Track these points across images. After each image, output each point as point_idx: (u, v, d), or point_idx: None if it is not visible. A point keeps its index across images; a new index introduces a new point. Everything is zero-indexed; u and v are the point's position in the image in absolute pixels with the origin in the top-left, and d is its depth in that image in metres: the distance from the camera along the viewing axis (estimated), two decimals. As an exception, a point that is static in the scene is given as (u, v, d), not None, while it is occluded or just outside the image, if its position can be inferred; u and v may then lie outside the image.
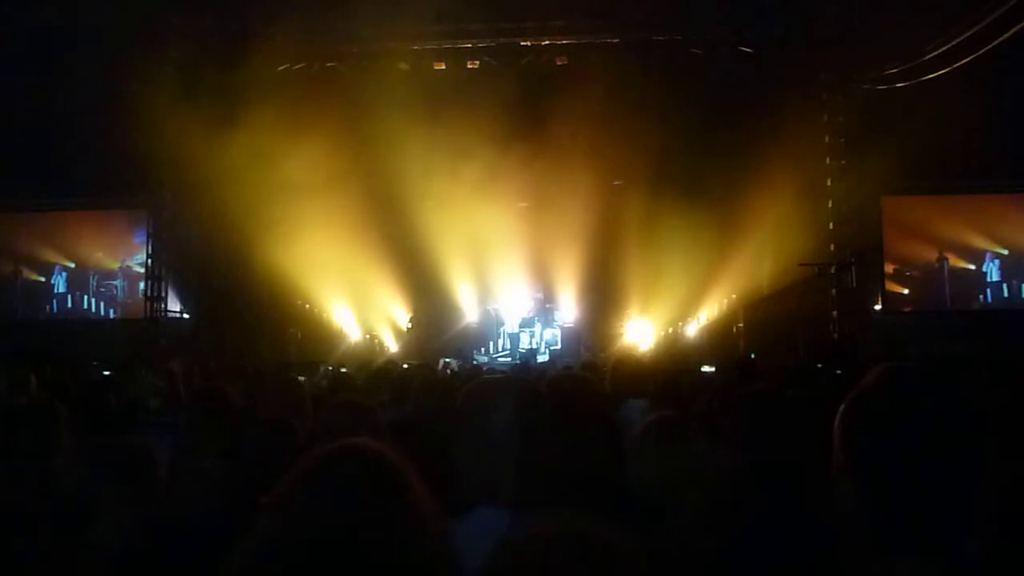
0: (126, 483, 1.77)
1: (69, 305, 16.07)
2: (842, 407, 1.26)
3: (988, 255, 14.47)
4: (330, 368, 6.83)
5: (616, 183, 15.10)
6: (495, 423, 1.60)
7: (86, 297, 16.09)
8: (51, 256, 16.27)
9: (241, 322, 13.99)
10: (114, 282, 15.98)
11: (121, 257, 15.95)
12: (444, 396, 3.53)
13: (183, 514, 1.98)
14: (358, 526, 1.04)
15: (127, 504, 1.73)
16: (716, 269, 13.98)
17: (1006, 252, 14.45)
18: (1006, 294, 14.36)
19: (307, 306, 15.18)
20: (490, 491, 1.56)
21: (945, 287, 14.41)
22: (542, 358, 14.41)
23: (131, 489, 1.76)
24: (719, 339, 14.53)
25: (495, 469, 1.57)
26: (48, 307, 16.08)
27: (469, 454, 1.59)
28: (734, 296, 14.72)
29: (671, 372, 5.65)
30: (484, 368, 11.23)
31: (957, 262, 14.54)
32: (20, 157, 12.81)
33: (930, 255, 14.53)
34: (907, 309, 14.70)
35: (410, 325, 15.14)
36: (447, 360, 10.71)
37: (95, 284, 16.07)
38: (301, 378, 4.49)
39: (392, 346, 15.62)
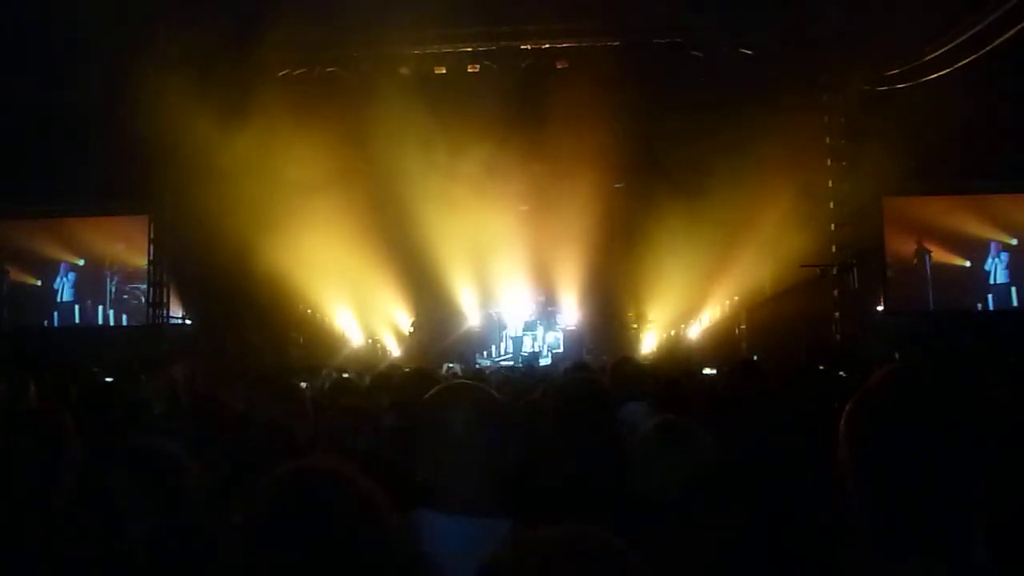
0: (157, 487, 1.75)
1: (76, 319, 13.97)
2: (847, 408, 1.25)
3: (991, 255, 14.35)
4: (331, 373, 6.83)
5: (617, 186, 15.09)
6: (452, 429, 1.59)
7: (101, 308, 13.97)
8: (54, 253, 14.11)
9: (243, 327, 13.99)
10: (139, 286, 14.10)
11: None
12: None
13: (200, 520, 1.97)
14: (318, 552, 1.04)
15: (157, 509, 1.72)
16: (718, 271, 13.97)
17: (1009, 253, 14.34)
18: (1013, 299, 14.09)
19: (309, 311, 15.19)
20: (457, 498, 1.55)
21: (948, 288, 14.33)
22: (544, 361, 14.41)
23: (162, 493, 1.75)
24: (721, 341, 14.52)
25: (456, 476, 1.56)
26: (47, 319, 14.13)
27: (432, 460, 1.59)
28: (736, 298, 14.71)
29: (672, 374, 5.65)
30: (487, 371, 11.23)
31: (960, 262, 14.43)
32: (17, 161, 12.69)
33: (932, 255, 14.45)
34: (909, 310, 14.65)
35: (412, 329, 15.15)
36: (450, 365, 10.69)
37: (113, 288, 14.09)
38: (303, 384, 4.48)
39: (394, 350, 15.63)
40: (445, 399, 1.66)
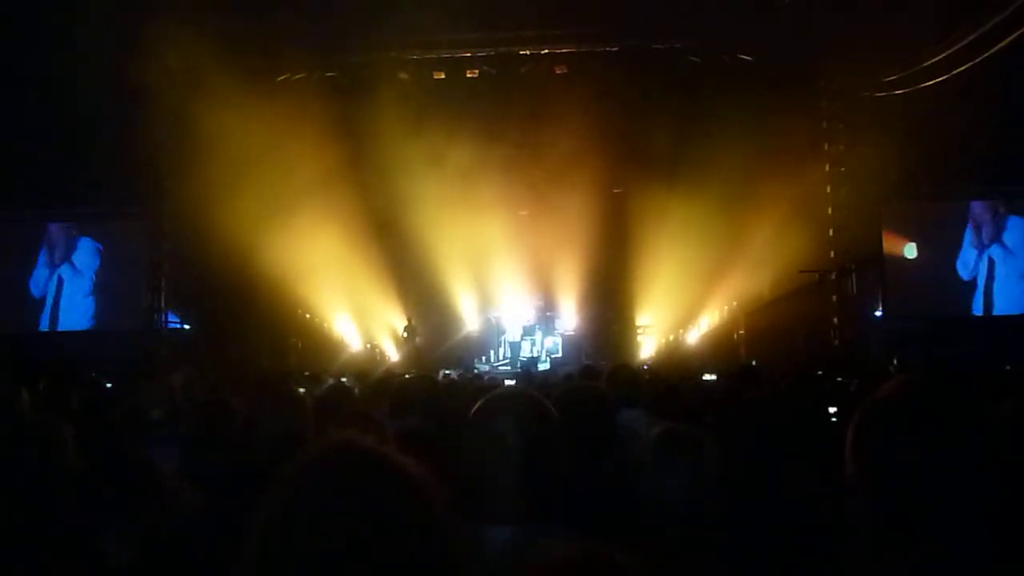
0: (130, 498, 1.75)
1: (73, 323, 13.86)
2: (856, 416, 1.24)
3: (988, 260, 14.35)
4: (330, 379, 6.82)
5: (616, 191, 15.11)
6: (504, 439, 1.57)
7: (99, 312, 13.87)
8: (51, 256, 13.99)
9: (241, 333, 13.98)
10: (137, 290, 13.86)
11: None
12: (447, 406, 3.52)
13: (187, 529, 1.97)
14: (368, 537, 0.94)
15: (131, 520, 1.71)
16: (716, 276, 13.99)
17: (1006, 257, 14.33)
18: (1010, 303, 14.08)
19: (308, 316, 15.18)
20: (498, 508, 1.55)
21: (946, 292, 14.33)
22: (543, 366, 14.40)
23: (136, 504, 1.75)
24: (720, 346, 14.53)
25: (502, 486, 1.55)
26: (43, 324, 14.03)
27: (478, 469, 1.57)
28: (735, 303, 14.73)
29: (670, 380, 5.64)
30: (485, 377, 11.22)
31: (958, 266, 14.41)
32: (10, 161, 12.56)
33: (930, 259, 14.44)
34: (908, 314, 14.63)
35: (405, 333, 15.12)
36: (447, 372, 10.67)
37: (110, 292, 13.85)
38: (302, 389, 4.47)
39: (393, 355, 15.63)
40: (495, 407, 1.64)
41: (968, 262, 14.08)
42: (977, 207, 14.17)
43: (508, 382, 7.85)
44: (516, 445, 1.57)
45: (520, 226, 14.95)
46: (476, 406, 1.68)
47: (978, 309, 13.88)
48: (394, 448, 1.09)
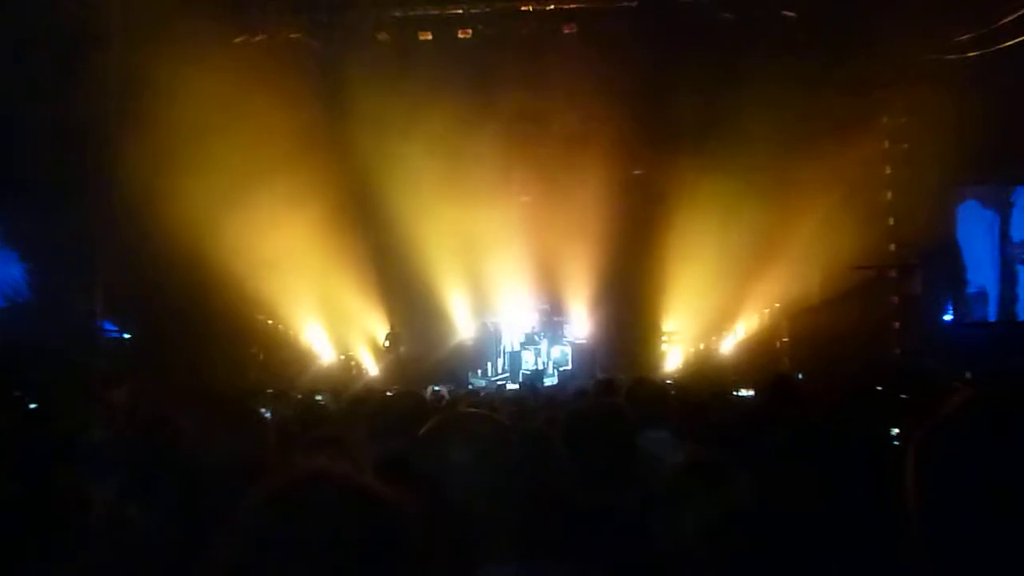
0: (60, 536, 1.77)
1: None
2: (917, 439, 1.25)
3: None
4: (299, 396, 6.83)
5: (636, 173, 15.11)
6: (455, 465, 1.62)
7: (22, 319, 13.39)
8: None
9: (192, 341, 13.96)
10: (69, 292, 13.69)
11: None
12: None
13: (122, 565, 1.99)
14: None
15: (61, 561, 1.74)
16: (755, 274, 13.99)
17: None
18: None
19: (271, 322, 15.19)
20: (496, 544, 1.58)
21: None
22: (550, 381, 14.42)
23: (67, 543, 1.77)
24: (759, 357, 14.51)
25: (495, 520, 1.59)
26: None
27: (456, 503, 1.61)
28: (777, 306, 14.73)
29: (700, 396, 5.66)
30: (481, 393, 11.23)
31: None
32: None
33: (1012, 255, 14.41)
34: (982, 319, 14.63)
35: (388, 343, 15.13)
36: (436, 388, 10.69)
37: (35, 295, 13.59)
38: (264, 410, 4.48)
39: (372, 369, 15.65)
40: (446, 431, 1.69)
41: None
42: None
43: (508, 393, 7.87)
44: (477, 473, 1.61)
45: (522, 215, 14.96)
46: (426, 428, 1.74)
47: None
48: (373, 478, 1.11)
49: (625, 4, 14.20)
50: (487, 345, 15.87)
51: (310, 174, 13.20)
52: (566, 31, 14.42)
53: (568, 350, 15.31)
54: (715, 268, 13.82)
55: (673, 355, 15.66)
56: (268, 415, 5.07)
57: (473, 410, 2.12)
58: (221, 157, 12.55)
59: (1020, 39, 12.04)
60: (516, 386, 13.50)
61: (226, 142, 12.58)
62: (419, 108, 13.35)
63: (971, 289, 14.36)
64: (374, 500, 1.05)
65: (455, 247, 14.75)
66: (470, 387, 13.92)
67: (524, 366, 15.13)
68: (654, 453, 3.06)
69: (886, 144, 14.22)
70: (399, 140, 13.58)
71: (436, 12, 14.43)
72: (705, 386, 8.96)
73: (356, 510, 1.04)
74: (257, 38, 14.31)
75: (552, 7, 14.44)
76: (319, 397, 6.40)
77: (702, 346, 15.52)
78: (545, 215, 14.85)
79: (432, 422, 1.77)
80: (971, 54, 12.78)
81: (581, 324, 15.77)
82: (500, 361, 15.70)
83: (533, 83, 13.88)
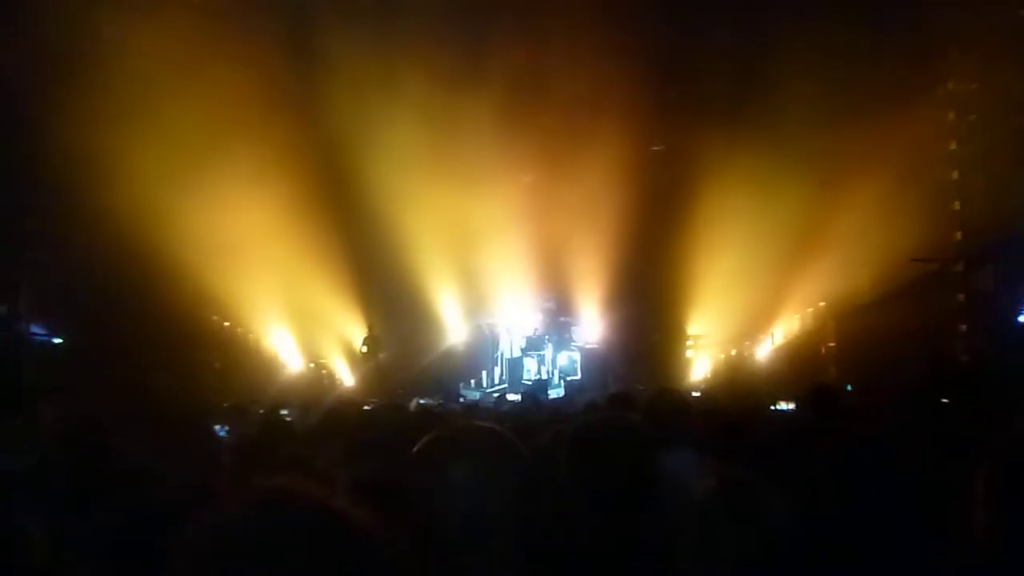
0: None
1: None
2: (990, 458, 1.25)
3: None
4: (261, 412, 6.83)
5: (656, 148, 15.10)
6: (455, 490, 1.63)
7: None
8: None
9: (135, 348, 13.94)
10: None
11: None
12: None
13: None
14: None
15: None
16: (797, 268, 13.97)
17: None
18: None
19: (227, 324, 15.17)
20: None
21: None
22: (555, 392, 14.46)
23: None
24: (801, 365, 14.51)
25: (490, 552, 1.59)
26: None
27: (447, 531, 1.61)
28: (822, 305, 14.73)
29: (731, 410, 5.66)
30: (480, 406, 11.24)
31: None
32: None
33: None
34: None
35: (365, 348, 15.11)
36: (423, 401, 10.69)
37: None
38: (220, 428, 4.48)
39: (347, 379, 15.67)
40: (446, 449, 1.69)
41: None
42: None
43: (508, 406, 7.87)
44: (483, 499, 1.61)
45: (524, 198, 14.95)
46: (420, 445, 1.74)
47: None
48: (349, 504, 1.11)
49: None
50: (482, 351, 15.89)
51: (275, 148, 13.17)
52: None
53: (577, 357, 15.32)
54: (749, 261, 13.81)
55: (700, 363, 15.69)
56: (224, 433, 5.08)
57: (478, 423, 2.12)
58: (169, 126, 12.50)
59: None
60: (517, 397, 13.50)
61: (175, 108, 12.53)
62: (402, 69, 13.33)
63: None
64: (347, 527, 1.06)
65: (445, 235, 14.75)
66: (462, 400, 13.92)
67: (526, 375, 15.16)
68: (677, 476, 3.07)
69: (951, 116, 14.19)
70: (378, 108, 13.55)
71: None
72: (737, 399, 8.98)
73: (325, 538, 1.04)
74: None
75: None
76: (285, 412, 6.40)
77: (734, 352, 15.55)
78: (550, 198, 14.84)
79: (428, 439, 1.77)
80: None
81: (592, 326, 15.78)
82: (497, 370, 15.73)
83: (535, 40, 13.84)
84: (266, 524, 1.05)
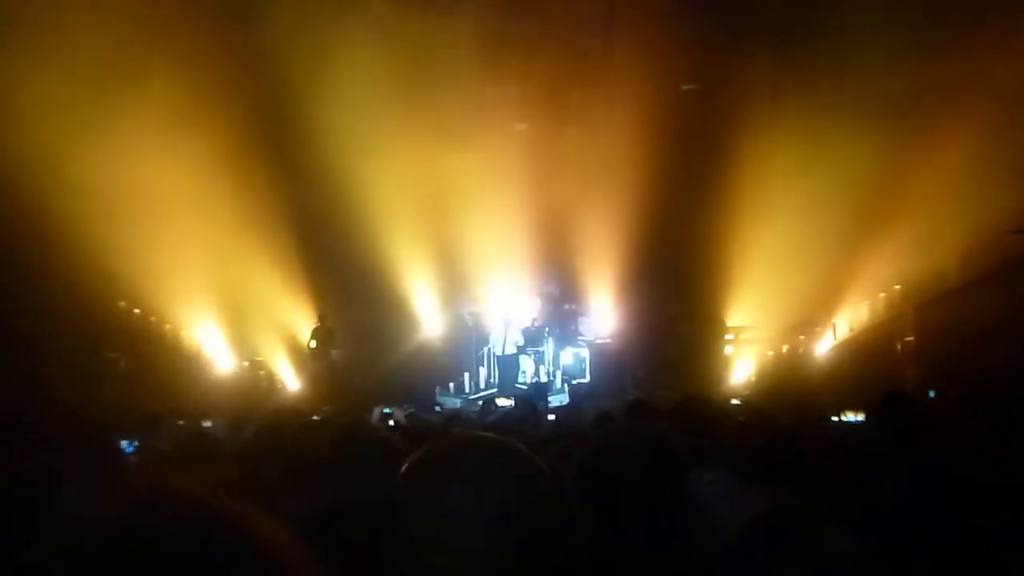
0: None
1: None
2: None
3: None
4: (180, 424, 6.84)
5: (686, 88, 15.10)
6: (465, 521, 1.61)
7: None
8: None
9: (16, 343, 13.96)
10: None
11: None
12: (389, 471, 3.53)
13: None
14: None
15: None
16: (863, 244, 13.98)
17: None
18: None
19: (137, 312, 15.14)
20: None
21: None
22: (557, 400, 14.53)
23: None
24: (871, 365, 14.56)
25: None
26: None
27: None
28: (897, 289, 14.76)
29: (780, 421, 5.68)
30: (461, 417, 11.25)
31: None
32: None
33: None
34: None
35: (314, 343, 15.08)
36: (388, 410, 10.72)
37: None
38: (127, 444, 4.47)
39: (290, 383, 15.73)
40: (443, 467, 1.67)
41: None
42: None
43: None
44: (497, 532, 1.60)
45: (518, 150, 14.90)
46: (409, 464, 1.71)
47: None
48: (294, 552, 1.17)
49: None
50: (465, 347, 15.91)
51: (198, 83, 13.10)
52: None
53: (585, 355, 15.37)
54: (805, 233, 13.80)
55: (741, 363, 15.70)
56: (131, 451, 5.08)
57: (483, 434, 2.10)
58: (62, 58, 12.46)
59: None
60: (508, 404, 13.52)
61: (70, 35, 12.50)
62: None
63: None
64: (227, 528, 1.12)
65: (418, 198, 14.74)
66: (439, 409, 13.94)
67: (520, 378, 15.20)
68: (710, 502, 3.08)
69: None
70: (330, 30, 13.50)
71: None
72: (789, 408, 9.01)
73: (198, 541, 1.10)
74: None
75: None
76: (208, 424, 6.41)
77: (785, 349, 15.58)
78: (552, 151, 14.85)
79: (418, 455, 1.74)
80: None
81: (604, 316, 15.83)
82: (484, 371, 15.74)
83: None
84: (133, 525, 1.11)
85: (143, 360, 15.16)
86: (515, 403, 12.82)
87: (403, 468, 1.73)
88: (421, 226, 15.01)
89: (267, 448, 4.58)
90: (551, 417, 10.93)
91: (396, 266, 15.44)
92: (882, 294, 14.94)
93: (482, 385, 15.58)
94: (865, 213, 13.62)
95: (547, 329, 15.33)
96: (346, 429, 4.07)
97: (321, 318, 15.20)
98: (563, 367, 15.28)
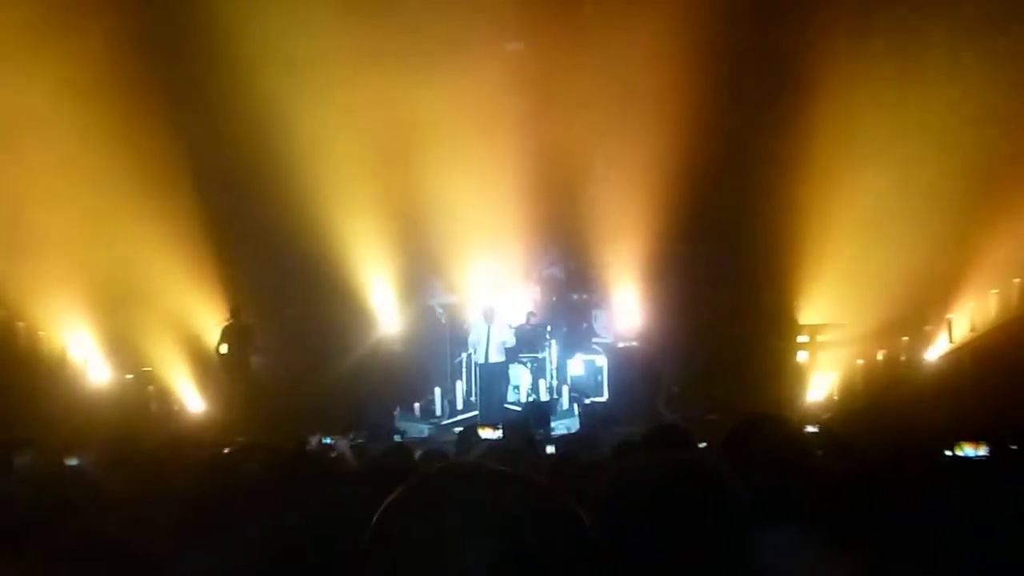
0: None
1: None
2: None
3: None
4: (33, 460, 6.84)
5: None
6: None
7: None
8: None
9: None
10: None
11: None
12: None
13: None
14: None
15: None
16: (990, 213, 14.03)
17: None
18: None
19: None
20: None
21: None
22: (563, 425, 14.56)
23: None
24: (1001, 380, 14.60)
25: None
26: None
27: None
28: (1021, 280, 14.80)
29: (875, 456, 5.69)
30: (430, 447, 11.31)
31: None
32: None
33: None
34: None
35: (226, 348, 15.11)
36: (327, 440, 10.75)
37: None
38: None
39: (192, 402, 15.78)
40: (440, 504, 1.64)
41: None
42: None
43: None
44: None
45: (509, 78, 14.97)
46: (389, 502, 1.68)
47: None
48: None
49: None
50: (435, 352, 15.98)
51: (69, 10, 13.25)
52: None
53: (602, 363, 15.44)
54: (906, 201, 13.87)
55: (820, 375, 15.76)
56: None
57: (490, 465, 2.07)
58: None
59: None
60: (496, 434, 13.55)
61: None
62: None
63: None
64: None
65: (373, 147, 14.79)
66: (399, 437, 13.97)
67: (512, 395, 15.24)
68: (781, 569, 3.07)
69: None
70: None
71: None
72: (886, 436, 9.08)
73: None
74: None
75: None
76: (73, 462, 6.41)
77: (880, 356, 15.62)
78: (554, 83, 14.90)
79: (402, 491, 1.71)
80: None
81: (627, 310, 15.88)
82: (461, 385, 15.78)
83: None
84: None
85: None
86: (504, 432, 12.87)
87: (387, 502, 1.70)
88: (376, 183, 15.01)
89: (157, 492, 4.57)
90: (550, 449, 10.90)
91: (340, 240, 15.45)
92: (1017, 280, 14.96)
93: (459, 405, 15.61)
94: (985, 183, 13.68)
95: (549, 328, 15.40)
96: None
97: (234, 312, 15.18)
98: (571, 380, 15.37)
